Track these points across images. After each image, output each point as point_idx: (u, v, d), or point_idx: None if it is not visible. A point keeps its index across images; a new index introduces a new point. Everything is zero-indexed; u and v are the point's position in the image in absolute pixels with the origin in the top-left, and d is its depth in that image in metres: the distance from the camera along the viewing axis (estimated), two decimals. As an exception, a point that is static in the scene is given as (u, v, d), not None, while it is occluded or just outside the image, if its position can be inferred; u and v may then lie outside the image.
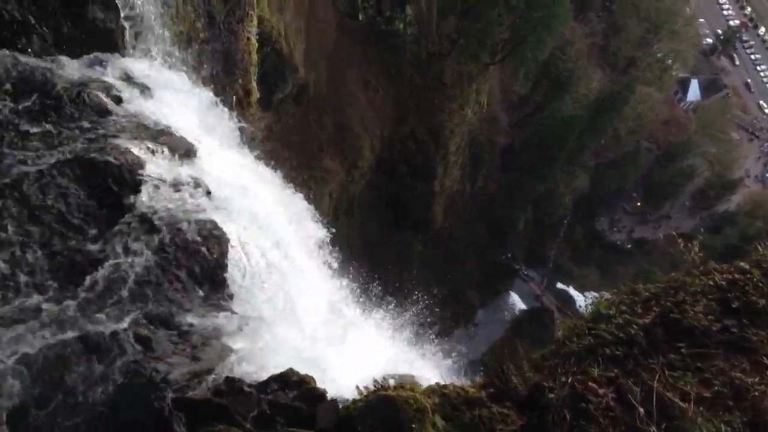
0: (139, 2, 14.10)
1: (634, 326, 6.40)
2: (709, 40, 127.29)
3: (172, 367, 10.09)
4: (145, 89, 13.75)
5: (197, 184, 12.53)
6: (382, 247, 59.82)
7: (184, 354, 10.44)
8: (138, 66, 14.24)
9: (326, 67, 48.52)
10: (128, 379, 9.65)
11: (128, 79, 13.63)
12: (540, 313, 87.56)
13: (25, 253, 9.90)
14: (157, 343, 10.21)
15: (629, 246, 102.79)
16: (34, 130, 11.00)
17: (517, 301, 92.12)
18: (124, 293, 10.21)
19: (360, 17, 52.17)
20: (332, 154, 49.33)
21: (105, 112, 12.21)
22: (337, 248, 18.89)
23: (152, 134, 12.66)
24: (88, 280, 10.05)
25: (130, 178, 11.37)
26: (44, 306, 9.70)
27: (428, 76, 58.26)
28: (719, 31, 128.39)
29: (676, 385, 5.66)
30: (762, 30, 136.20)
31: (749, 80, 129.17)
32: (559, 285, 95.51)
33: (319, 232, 17.87)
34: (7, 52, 11.76)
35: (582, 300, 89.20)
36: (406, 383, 9.77)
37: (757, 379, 5.55)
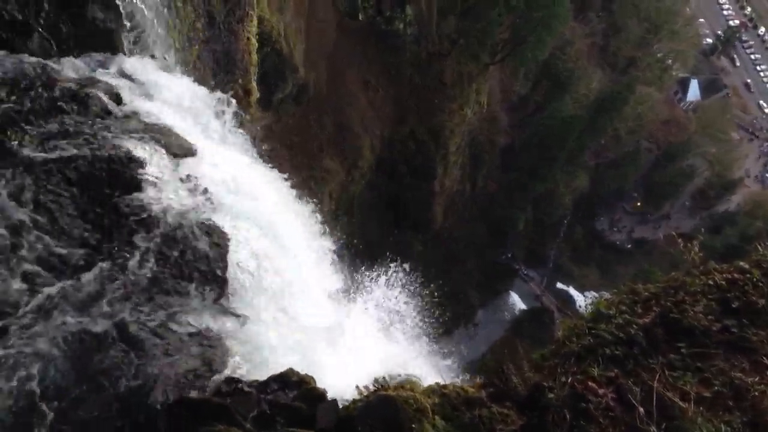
0: (140, 2, 14.10)
1: (634, 326, 6.40)
2: (709, 40, 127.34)
3: (171, 367, 10.09)
4: (145, 89, 13.76)
5: (197, 183, 12.54)
6: (382, 247, 59.79)
7: (184, 353, 10.45)
8: (138, 66, 14.24)
9: (326, 67, 48.55)
10: (126, 379, 9.65)
11: (128, 79, 13.63)
12: (540, 313, 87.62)
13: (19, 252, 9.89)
14: (156, 342, 10.21)
15: (629, 246, 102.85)
16: (33, 130, 11.00)
17: (517, 301, 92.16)
18: (122, 293, 10.21)
19: (360, 17, 52.20)
20: (332, 154, 49.36)
21: (105, 112, 12.21)
22: (338, 248, 18.91)
23: (152, 134, 12.66)
24: (83, 279, 10.04)
25: (129, 177, 11.37)
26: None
27: (428, 76, 58.29)
28: (719, 31, 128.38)
29: (676, 385, 5.67)
30: (762, 30, 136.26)
31: (749, 80, 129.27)
32: (559, 285, 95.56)
33: (319, 230, 17.90)
34: (7, 52, 11.77)
35: (582, 300, 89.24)
36: (406, 383, 9.77)
37: (756, 379, 5.55)
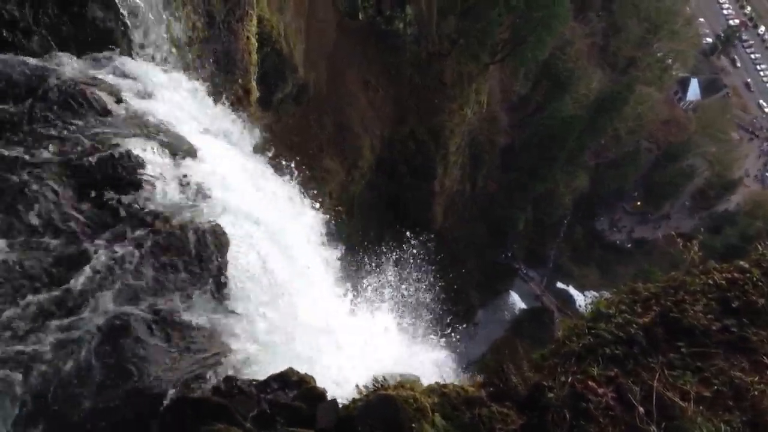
0: (139, 2, 14.10)
1: (634, 325, 6.40)
2: (709, 40, 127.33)
3: (170, 366, 10.09)
4: (144, 89, 13.75)
5: (197, 183, 12.54)
6: (382, 246, 59.78)
7: (183, 352, 10.45)
8: (138, 65, 14.24)
9: (326, 67, 48.54)
10: (126, 377, 9.66)
11: (128, 78, 13.62)
12: (540, 312, 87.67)
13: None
14: (156, 341, 10.21)
15: (629, 246, 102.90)
16: (33, 129, 10.99)
17: (517, 301, 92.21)
18: (122, 292, 10.21)
19: (360, 17, 52.19)
20: (332, 154, 49.37)
21: (105, 112, 12.20)
22: (338, 247, 18.93)
23: (152, 134, 12.66)
24: (81, 278, 10.04)
25: (129, 177, 11.37)
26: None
27: (428, 76, 58.29)
28: (719, 31, 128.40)
29: (675, 384, 5.67)
30: (762, 29, 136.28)
31: (749, 80, 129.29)
32: (559, 285, 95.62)
33: (319, 228, 17.92)
34: (7, 52, 11.77)
35: (582, 300, 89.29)
36: (405, 382, 9.77)
37: (756, 379, 5.55)
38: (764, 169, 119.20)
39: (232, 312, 11.78)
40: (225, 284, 11.78)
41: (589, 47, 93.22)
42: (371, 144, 54.69)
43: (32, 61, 11.90)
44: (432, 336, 23.68)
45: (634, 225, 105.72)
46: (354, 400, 9.61)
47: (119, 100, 12.75)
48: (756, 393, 5.49)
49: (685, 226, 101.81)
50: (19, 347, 9.15)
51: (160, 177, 11.91)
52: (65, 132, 11.27)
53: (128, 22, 13.87)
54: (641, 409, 5.55)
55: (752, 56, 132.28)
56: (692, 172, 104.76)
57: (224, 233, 11.96)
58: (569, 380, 6.14)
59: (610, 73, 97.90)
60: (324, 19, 47.80)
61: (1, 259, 9.55)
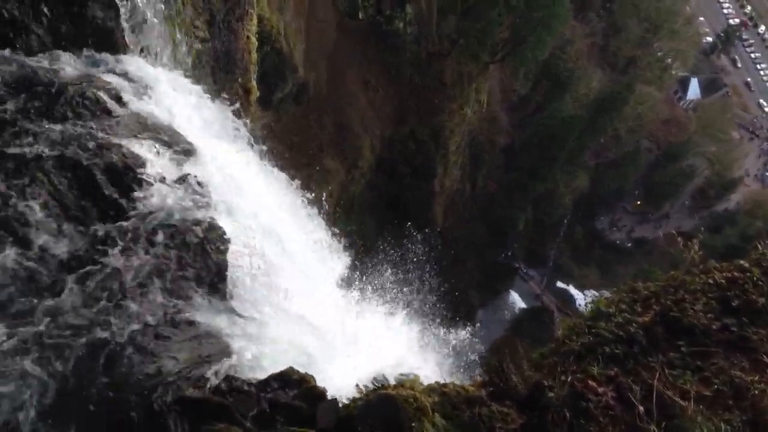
0: (140, 1, 14.09)
1: (634, 325, 6.40)
2: (709, 39, 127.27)
3: (170, 366, 10.09)
4: (145, 88, 13.75)
5: (198, 183, 12.54)
6: (382, 246, 59.80)
7: (183, 352, 10.45)
8: (138, 65, 14.23)
9: (326, 66, 48.54)
10: (126, 377, 9.66)
11: (128, 77, 13.62)
12: (540, 312, 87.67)
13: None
14: (155, 341, 10.21)
15: (629, 245, 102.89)
16: (33, 129, 11.00)
17: (517, 301, 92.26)
18: (119, 292, 10.21)
19: (360, 17, 52.18)
20: (332, 153, 49.37)
21: (105, 111, 12.21)
22: (339, 246, 18.94)
23: (152, 133, 12.66)
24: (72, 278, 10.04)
25: (129, 177, 11.38)
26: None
27: (428, 75, 58.28)
28: (719, 30, 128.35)
29: (675, 383, 5.67)
30: (762, 28, 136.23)
31: (749, 79, 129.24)
32: (559, 284, 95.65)
33: (321, 228, 17.93)
34: (7, 51, 11.77)
35: (582, 299, 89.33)
36: (406, 382, 9.77)
37: (756, 378, 5.55)
38: (764, 168, 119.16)
39: (233, 312, 11.78)
40: (225, 284, 11.78)
41: (589, 47, 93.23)
42: (371, 144, 54.69)
43: (30, 59, 11.91)
44: (432, 336, 23.66)
45: (634, 224, 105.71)
46: (354, 400, 9.61)
47: (119, 100, 12.75)
48: (756, 392, 5.49)
49: (685, 226, 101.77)
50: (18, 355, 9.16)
51: (160, 176, 11.92)
52: (64, 131, 11.27)
53: (128, 22, 13.86)
54: (641, 408, 5.55)
55: (752, 56, 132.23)
56: (692, 172, 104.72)
57: (224, 232, 11.96)
58: (569, 379, 6.14)
59: (610, 73, 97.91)
60: (324, 18, 47.80)
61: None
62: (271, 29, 34.06)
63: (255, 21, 24.27)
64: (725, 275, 6.66)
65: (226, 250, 11.89)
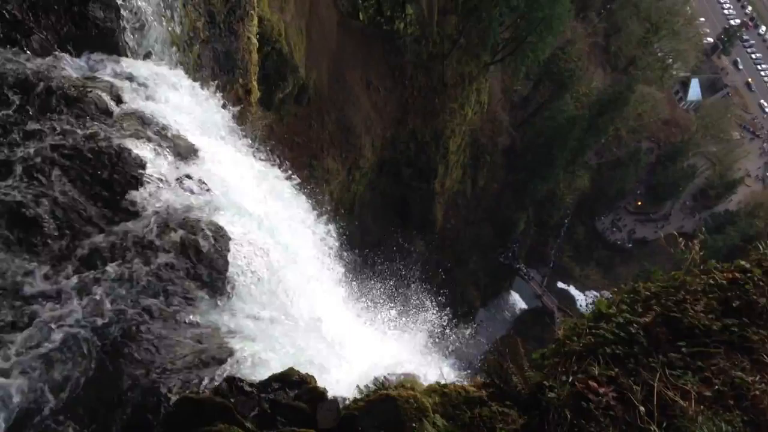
0: (140, 2, 14.11)
1: (635, 325, 6.38)
2: (710, 39, 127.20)
3: (172, 366, 10.10)
4: (145, 89, 13.76)
5: (198, 183, 12.55)
6: (384, 246, 59.87)
7: (185, 352, 10.45)
8: (139, 65, 14.25)
9: (327, 67, 48.56)
10: (128, 376, 9.67)
11: (129, 78, 13.64)
12: (541, 312, 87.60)
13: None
14: (157, 341, 10.22)
15: (630, 246, 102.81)
16: (34, 129, 11.01)
17: (518, 301, 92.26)
18: (122, 292, 10.22)
19: (361, 17, 52.17)
20: (334, 154, 49.38)
21: (106, 112, 12.22)
22: (340, 247, 18.93)
23: (153, 134, 12.68)
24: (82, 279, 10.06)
25: (130, 177, 11.39)
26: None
27: (429, 76, 58.31)
28: (720, 31, 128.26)
29: (676, 383, 5.66)
30: (763, 29, 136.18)
31: (750, 79, 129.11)
32: (560, 284, 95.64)
33: (321, 228, 17.93)
34: (8, 51, 11.78)
35: (583, 299, 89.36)
36: (406, 382, 9.78)
37: (757, 378, 5.55)
38: (765, 168, 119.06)
39: (234, 311, 11.79)
40: (226, 283, 11.78)
41: (590, 47, 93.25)
42: (372, 144, 54.71)
43: (31, 59, 11.92)
44: (433, 336, 23.67)
45: (635, 225, 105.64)
46: (355, 400, 9.62)
47: (119, 100, 12.77)
48: (757, 392, 5.48)
49: (686, 226, 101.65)
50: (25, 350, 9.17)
51: (161, 176, 11.93)
52: (66, 132, 11.28)
53: (129, 22, 13.88)
54: (642, 408, 5.54)
55: (753, 56, 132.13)
56: (693, 172, 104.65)
57: (225, 232, 11.97)
58: (570, 380, 6.13)
59: (611, 73, 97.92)
60: (325, 19, 47.81)
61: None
62: (271, 30, 34.10)
63: (255, 22, 24.28)
64: (726, 276, 6.64)
65: (227, 249, 11.90)
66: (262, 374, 10.87)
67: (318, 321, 14.02)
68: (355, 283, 20.37)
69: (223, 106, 17.34)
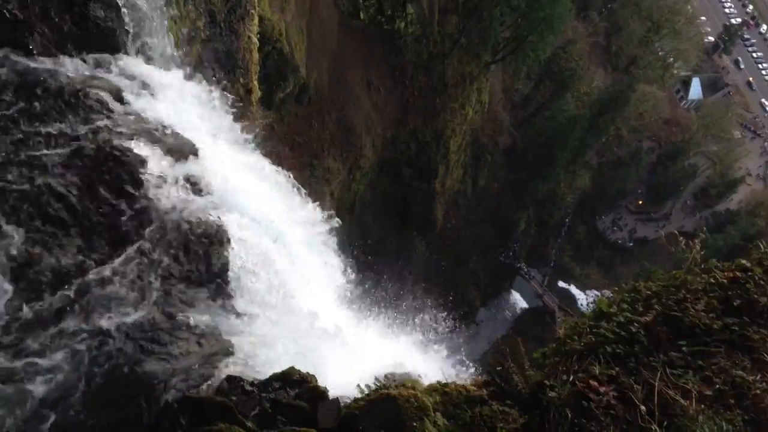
0: (141, 1, 14.10)
1: (636, 324, 6.37)
2: (711, 39, 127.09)
3: (173, 365, 10.10)
4: (146, 88, 13.76)
5: (199, 182, 12.55)
6: (384, 246, 59.86)
7: (186, 352, 10.46)
8: (140, 65, 14.24)
9: (328, 66, 48.52)
10: (130, 377, 9.67)
11: (130, 78, 13.63)
12: (541, 312, 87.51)
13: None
14: (159, 341, 10.22)
15: (631, 245, 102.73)
16: (35, 128, 11.01)
17: (519, 300, 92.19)
18: (123, 292, 10.22)
19: (361, 16, 52.12)
20: (334, 153, 49.33)
21: (107, 111, 12.21)
22: (340, 247, 18.92)
23: (154, 133, 12.67)
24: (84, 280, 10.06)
25: (132, 176, 11.38)
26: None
27: (430, 75, 58.25)
28: (721, 30, 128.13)
29: (677, 383, 5.65)
30: (764, 28, 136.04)
31: (751, 78, 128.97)
32: (561, 284, 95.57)
33: (321, 227, 17.91)
34: (9, 51, 11.77)
35: (583, 299, 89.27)
36: (407, 382, 9.78)
37: (758, 377, 5.54)
38: (766, 167, 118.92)
39: (235, 311, 11.79)
40: (228, 283, 11.78)
41: (590, 46, 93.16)
42: (373, 144, 54.67)
43: (32, 59, 11.91)
44: (433, 336, 23.66)
45: (636, 224, 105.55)
46: (356, 400, 9.63)
47: (121, 100, 12.76)
48: (757, 392, 5.48)
49: (687, 225, 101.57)
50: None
51: (162, 176, 11.93)
52: (67, 131, 11.28)
53: (130, 22, 13.87)
54: (643, 407, 5.54)
55: (754, 55, 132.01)
56: (694, 172, 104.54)
57: (226, 231, 11.97)
58: (571, 379, 6.13)
59: (611, 72, 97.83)
60: (325, 18, 47.77)
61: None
62: (272, 29, 34.07)
63: (256, 21, 24.25)
64: (727, 275, 6.64)
65: (228, 249, 11.90)
66: (262, 373, 10.88)
67: (318, 320, 14.01)
68: (354, 283, 20.34)
69: (224, 106, 17.33)
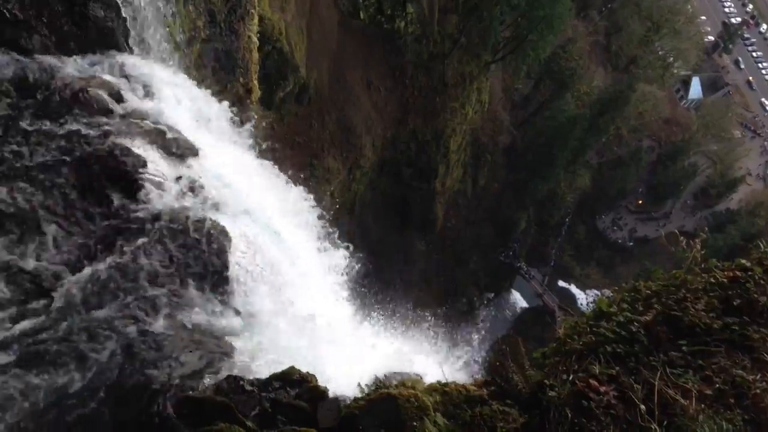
0: (140, 1, 14.10)
1: (636, 324, 6.37)
2: (711, 38, 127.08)
3: (173, 365, 10.10)
4: (146, 88, 13.75)
5: (198, 182, 12.54)
6: (385, 246, 59.86)
7: (186, 352, 10.45)
8: (139, 64, 14.23)
9: (328, 66, 48.51)
10: (129, 377, 9.67)
11: (129, 77, 13.62)
12: (541, 311, 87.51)
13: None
14: (158, 340, 10.22)
15: (631, 244, 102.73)
16: (35, 128, 11.01)
17: (519, 300, 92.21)
18: (123, 291, 10.22)
19: (361, 16, 52.10)
20: (334, 153, 49.33)
21: (106, 111, 12.22)
22: (340, 246, 18.91)
23: (153, 133, 12.67)
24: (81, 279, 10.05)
25: (130, 177, 11.38)
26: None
27: (430, 75, 58.24)
28: (721, 29, 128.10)
29: (677, 382, 5.65)
30: (764, 27, 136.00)
31: (751, 78, 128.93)
32: (561, 283, 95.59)
33: (322, 227, 17.92)
34: (9, 51, 11.78)
35: (583, 298, 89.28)
36: (407, 381, 9.78)
37: (758, 377, 5.54)
38: (766, 167, 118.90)
39: (235, 311, 11.79)
40: (227, 283, 11.78)
41: (590, 46, 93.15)
42: (373, 143, 54.67)
43: (32, 58, 11.91)
44: (434, 335, 23.67)
45: (636, 223, 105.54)
46: (356, 399, 9.63)
47: (120, 100, 12.76)
48: (757, 391, 5.48)
49: (687, 225, 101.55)
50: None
51: (162, 176, 11.93)
52: (66, 131, 11.28)
53: (129, 22, 13.87)
54: (643, 407, 5.54)
55: (754, 54, 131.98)
56: (694, 171, 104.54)
57: (226, 231, 11.97)
58: (571, 378, 6.13)
59: (611, 72, 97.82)
60: (325, 18, 47.76)
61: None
62: (272, 29, 34.07)
63: (256, 21, 24.24)
64: (727, 274, 6.64)
65: (228, 249, 11.90)
66: (262, 372, 10.89)
67: (317, 319, 14.01)
68: (354, 282, 20.34)
69: (224, 105, 17.32)
